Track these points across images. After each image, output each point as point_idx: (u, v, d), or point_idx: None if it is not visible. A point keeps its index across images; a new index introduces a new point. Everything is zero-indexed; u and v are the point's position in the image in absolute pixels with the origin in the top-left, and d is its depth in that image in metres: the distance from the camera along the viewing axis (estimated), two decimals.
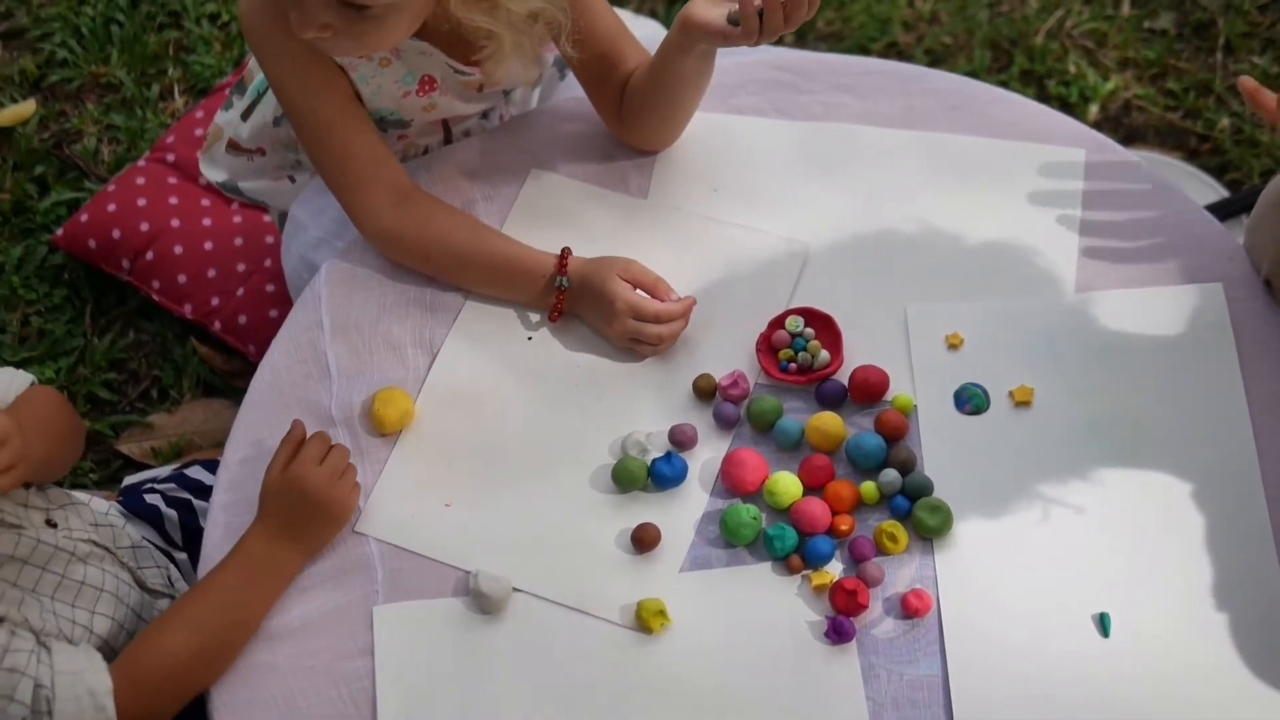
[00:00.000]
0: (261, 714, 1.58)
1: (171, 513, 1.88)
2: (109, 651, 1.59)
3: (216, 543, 1.67)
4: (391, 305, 1.81)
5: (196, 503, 1.90)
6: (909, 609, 1.57)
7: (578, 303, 1.76)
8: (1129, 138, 2.62)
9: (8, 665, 1.45)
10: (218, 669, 1.59)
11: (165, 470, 2.00)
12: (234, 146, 2.02)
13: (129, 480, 1.98)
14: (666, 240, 1.83)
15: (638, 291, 1.73)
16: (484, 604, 1.60)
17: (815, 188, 1.85)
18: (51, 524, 1.61)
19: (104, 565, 1.65)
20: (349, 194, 1.79)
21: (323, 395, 1.75)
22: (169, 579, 1.77)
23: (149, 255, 2.50)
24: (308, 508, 1.62)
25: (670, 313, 1.72)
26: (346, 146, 1.76)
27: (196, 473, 1.97)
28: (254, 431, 1.74)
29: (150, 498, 1.89)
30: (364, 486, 1.68)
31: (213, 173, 2.05)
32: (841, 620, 1.55)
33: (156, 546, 1.81)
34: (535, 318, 1.78)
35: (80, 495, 1.72)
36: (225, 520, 1.69)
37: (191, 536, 1.86)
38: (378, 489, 1.69)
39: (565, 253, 1.76)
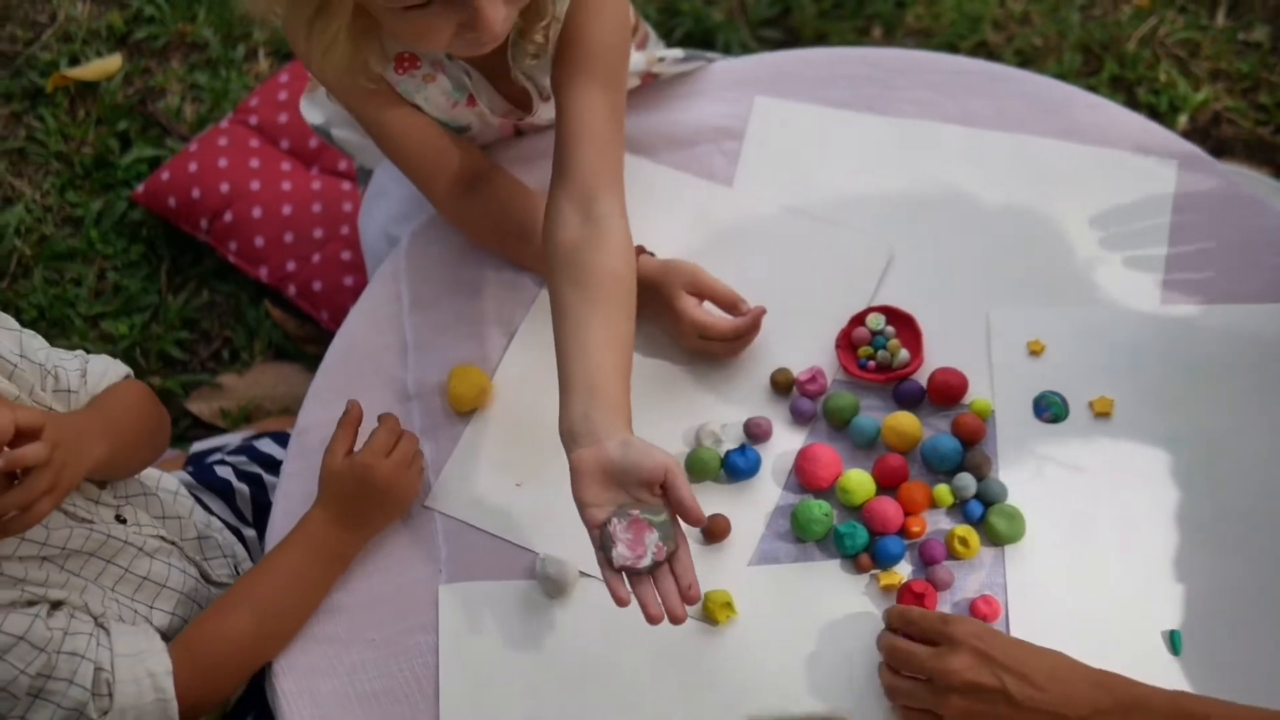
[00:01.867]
0: (322, 683, 1.60)
1: (243, 487, 1.88)
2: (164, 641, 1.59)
3: (285, 511, 1.69)
4: (471, 282, 1.81)
5: (267, 478, 1.91)
6: (977, 615, 1.55)
7: (646, 303, 1.69)
8: (1217, 150, 2.58)
9: (68, 649, 1.45)
10: (275, 648, 1.60)
11: (234, 439, 2.01)
12: None
13: (197, 447, 1.99)
14: (748, 230, 1.82)
15: (705, 305, 1.71)
16: (549, 588, 1.60)
17: (902, 185, 1.83)
18: (121, 519, 1.61)
19: (170, 560, 1.65)
20: (419, 185, 1.77)
21: (398, 369, 1.76)
22: (235, 569, 1.77)
23: (227, 216, 2.52)
24: (375, 496, 1.62)
25: (737, 330, 1.69)
26: (402, 150, 1.72)
27: (267, 446, 1.97)
28: (327, 401, 1.75)
29: (222, 470, 1.90)
30: (435, 463, 1.69)
31: (310, 113, 2.01)
32: None
33: (226, 523, 1.82)
34: None
35: (151, 474, 1.72)
36: (294, 489, 1.70)
37: (262, 513, 1.86)
38: (449, 466, 1.69)
39: (636, 251, 1.71)
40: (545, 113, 1.78)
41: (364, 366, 1.77)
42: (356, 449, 1.63)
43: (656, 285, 1.69)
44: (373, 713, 1.58)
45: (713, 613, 1.57)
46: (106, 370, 1.61)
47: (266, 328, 2.53)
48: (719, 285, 1.70)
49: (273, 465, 1.92)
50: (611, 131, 1.61)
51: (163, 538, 1.65)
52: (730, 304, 1.70)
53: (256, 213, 2.51)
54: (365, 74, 1.59)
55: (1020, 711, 1.37)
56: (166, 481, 1.74)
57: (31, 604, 1.45)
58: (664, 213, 1.83)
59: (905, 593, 1.56)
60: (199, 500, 1.80)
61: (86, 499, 1.57)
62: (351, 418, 1.64)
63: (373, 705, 1.58)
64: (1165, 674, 1.51)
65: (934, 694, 1.41)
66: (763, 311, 1.70)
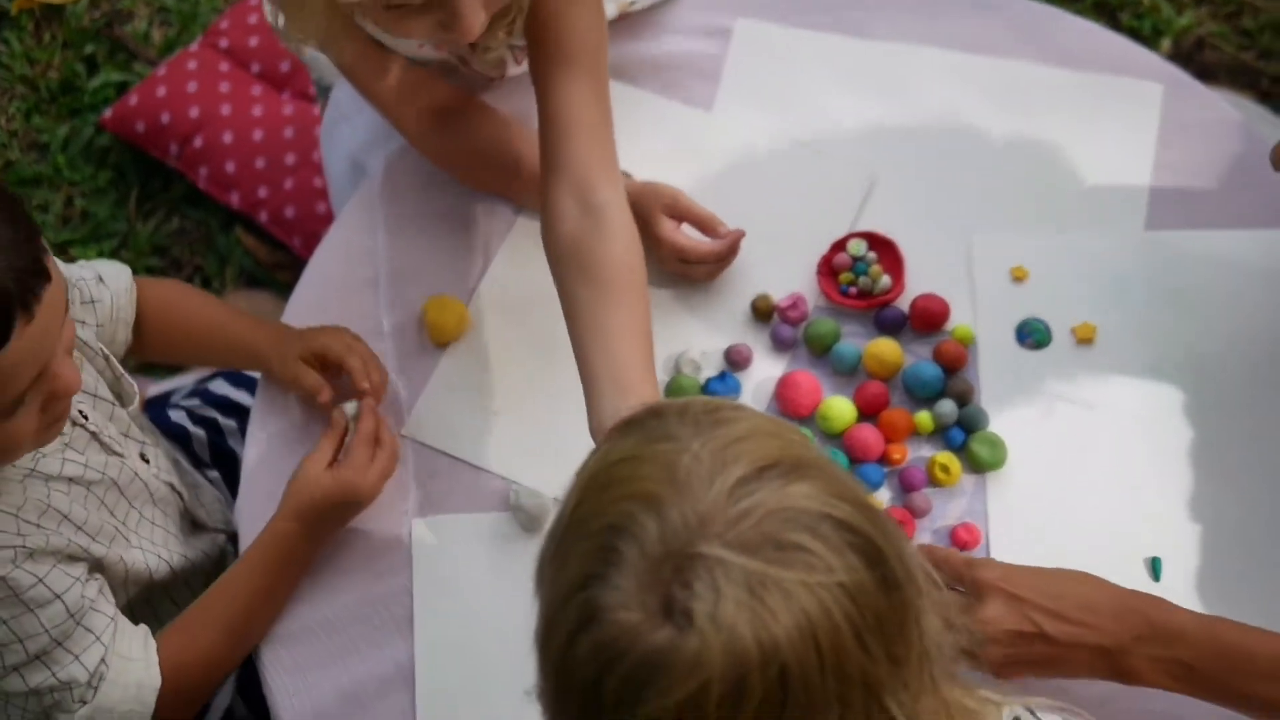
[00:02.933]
0: (295, 630, 1.58)
1: (199, 432, 1.84)
2: (149, 590, 1.58)
3: (258, 457, 1.67)
4: (447, 210, 1.78)
5: (223, 421, 1.87)
6: (957, 542, 1.55)
7: None
8: (1200, 75, 2.52)
9: (88, 624, 1.42)
10: (244, 654, 1.58)
11: (189, 382, 1.97)
12: None
13: (152, 392, 1.95)
14: (728, 155, 1.79)
15: (684, 228, 1.69)
16: (524, 520, 1.58)
17: (884, 110, 1.81)
18: (145, 459, 1.58)
19: (169, 510, 1.62)
20: (389, 118, 1.73)
21: (370, 303, 1.73)
22: (226, 520, 1.74)
23: (197, 142, 2.48)
24: (352, 512, 1.58)
25: (717, 253, 1.67)
26: (370, 86, 1.69)
27: (220, 387, 1.93)
28: None
29: (175, 414, 1.86)
30: (411, 397, 1.67)
31: (271, 11, 1.98)
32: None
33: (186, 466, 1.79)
34: None
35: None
36: (265, 436, 1.68)
37: (220, 456, 1.84)
38: (424, 396, 1.67)
39: None
40: (517, 71, 1.75)
41: (335, 303, 1.74)
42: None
43: (635, 206, 1.66)
44: (348, 652, 1.56)
45: None
46: (115, 272, 1.61)
47: (238, 255, 2.50)
48: (697, 208, 1.68)
49: (228, 408, 1.89)
50: (600, 118, 1.57)
51: (172, 486, 1.62)
52: (709, 227, 1.68)
53: (227, 138, 2.47)
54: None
55: (1059, 648, 1.35)
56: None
57: (74, 559, 1.42)
58: (642, 138, 1.79)
59: None
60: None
61: (119, 431, 1.54)
62: (337, 428, 1.60)
63: (350, 643, 1.57)
64: None
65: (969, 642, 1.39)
66: (741, 234, 1.68)
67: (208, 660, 1.53)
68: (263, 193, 2.44)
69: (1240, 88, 2.56)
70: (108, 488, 1.49)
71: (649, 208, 1.67)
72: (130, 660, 1.46)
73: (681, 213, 1.68)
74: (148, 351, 1.69)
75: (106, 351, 1.54)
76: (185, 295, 1.74)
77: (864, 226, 1.73)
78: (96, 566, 1.46)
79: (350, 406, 1.61)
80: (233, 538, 1.69)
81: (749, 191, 1.76)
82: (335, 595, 1.58)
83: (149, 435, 1.63)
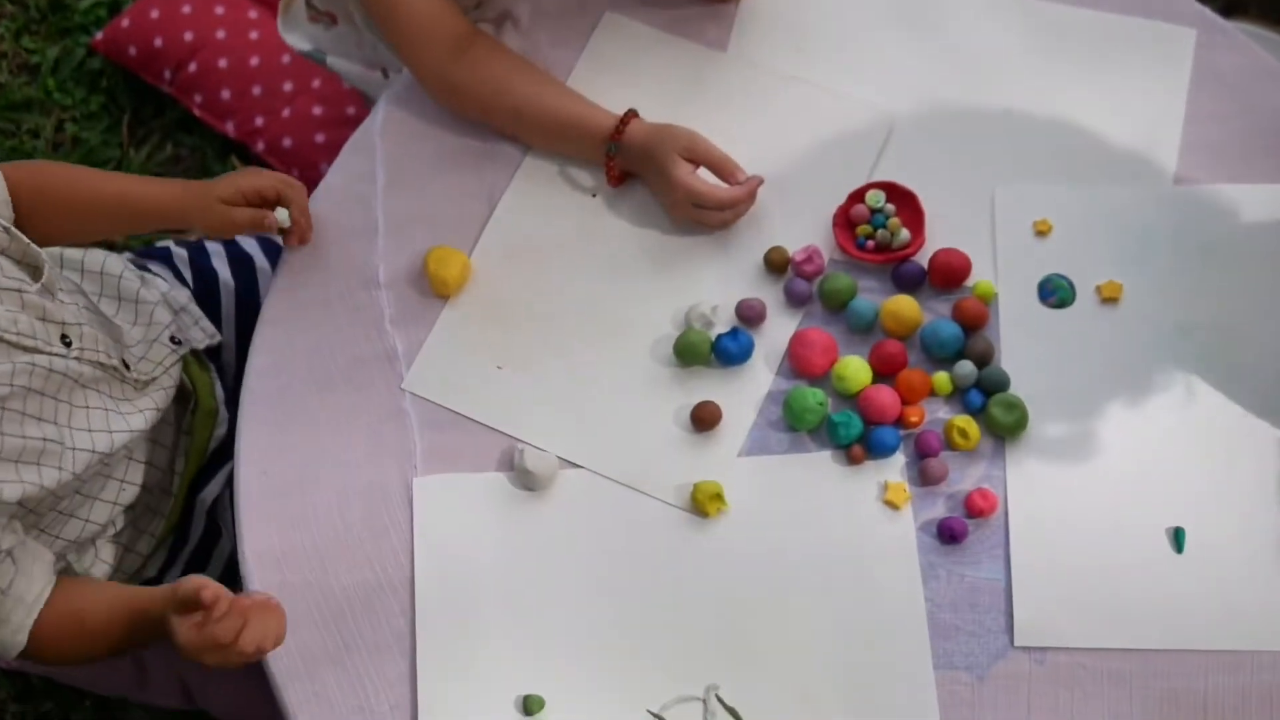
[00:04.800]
0: (293, 576, 1.54)
1: (181, 251, 1.82)
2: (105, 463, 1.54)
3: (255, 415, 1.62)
4: (449, 153, 1.72)
5: (209, 244, 1.84)
6: (973, 509, 1.50)
7: (639, 169, 1.65)
8: (1229, 8, 2.47)
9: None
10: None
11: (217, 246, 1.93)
12: (310, 6, 1.91)
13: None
14: (743, 98, 1.73)
15: (700, 171, 1.63)
16: (529, 481, 1.53)
17: (905, 53, 1.74)
18: (66, 340, 1.51)
19: (102, 386, 1.55)
20: (406, 50, 1.68)
21: (369, 252, 1.67)
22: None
23: (192, 67, 2.41)
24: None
25: (734, 199, 1.61)
26: (396, 6, 1.65)
27: (250, 246, 1.89)
28: (291, 291, 1.67)
29: (162, 241, 1.85)
30: (409, 350, 1.62)
31: (294, 39, 1.93)
32: (955, 521, 1.50)
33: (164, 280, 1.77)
34: (601, 175, 1.68)
35: (96, 255, 1.67)
36: (263, 390, 1.63)
37: (201, 274, 1.81)
38: (425, 349, 1.62)
39: (628, 116, 1.64)
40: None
41: (331, 250, 1.68)
42: None
43: (649, 150, 1.61)
44: (346, 609, 1.52)
45: (702, 505, 1.51)
46: None
47: None
48: (715, 151, 1.62)
49: (242, 264, 1.86)
50: None
51: (99, 363, 1.55)
52: (727, 171, 1.62)
53: (222, 63, 2.40)
54: None
55: None
56: (111, 263, 1.68)
57: None
58: (655, 79, 1.73)
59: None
60: (142, 268, 1.76)
61: (36, 317, 1.47)
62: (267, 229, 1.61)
63: (346, 602, 1.52)
64: (1167, 572, 1.47)
65: None
66: (760, 181, 1.62)
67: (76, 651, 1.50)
68: (259, 121, 2.37)
69: (1271, 22, 2.47)
70: (24, 396, 1.44)
71: (664, 150, 1.61)
72: (14, 602, 1.44)
73: (699, 156, 1.62)
74: (41, 236, 1.59)
75: (4, 223, 1.48)
76: (65, 170, 1.68)
77: (882, 176, 1.66)
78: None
79: (283, 214, 1.60)
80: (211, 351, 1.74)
81: (763, 137, 1.69)
82: (332, 554, 1.54)
83: (72, 301, 1.56)
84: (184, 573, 1.72)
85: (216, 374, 1.78)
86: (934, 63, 1.73)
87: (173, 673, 1.83)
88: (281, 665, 1.50)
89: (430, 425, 1.59)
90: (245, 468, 1.59)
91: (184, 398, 1.72)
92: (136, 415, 1.58)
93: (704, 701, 1.46)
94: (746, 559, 1.50)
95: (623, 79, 1.73)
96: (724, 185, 1.63)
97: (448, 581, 1.51)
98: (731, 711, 1.45)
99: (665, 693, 1.46)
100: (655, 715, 1.45)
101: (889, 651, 1.46)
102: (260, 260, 1.85)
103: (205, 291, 1.81)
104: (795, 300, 1.61)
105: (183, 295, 1.76)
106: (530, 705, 1.46)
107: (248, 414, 1.61)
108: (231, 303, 1.82)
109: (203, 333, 1.74)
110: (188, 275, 1.81)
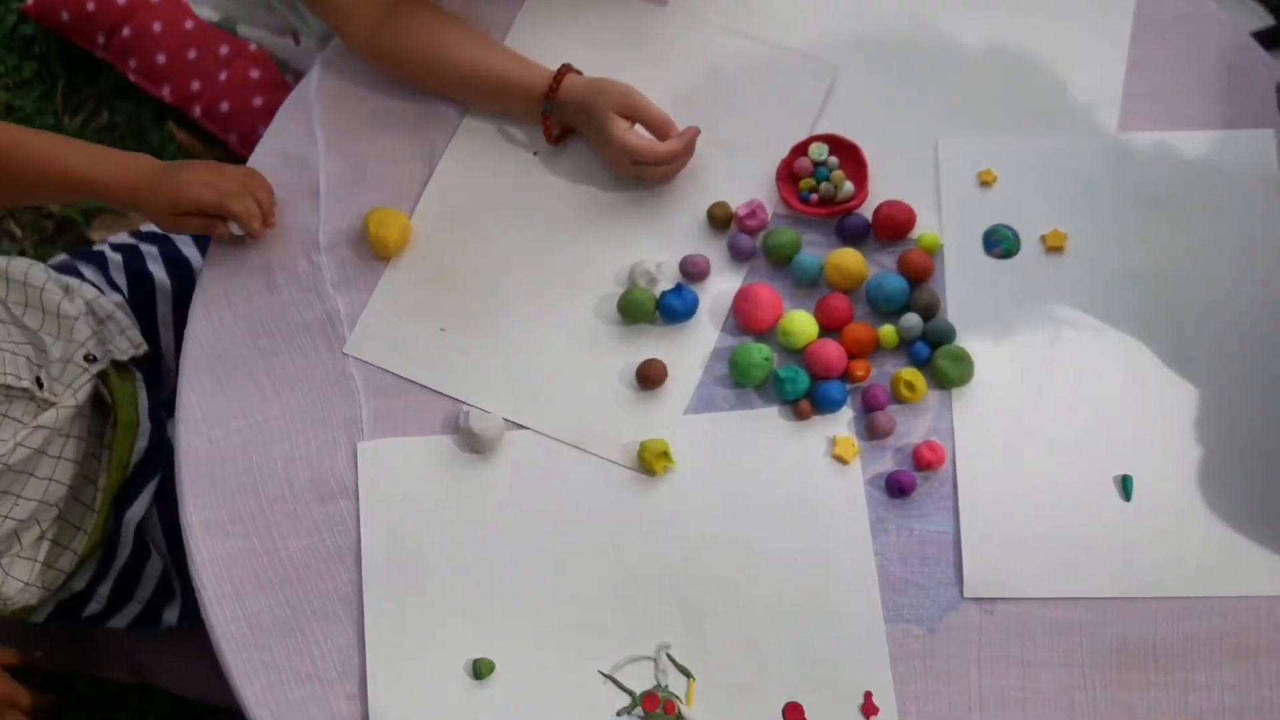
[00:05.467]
0: (240, 549, 1.52)
1: (116, 256, 1.78)
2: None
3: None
4: (388, 114, 1.70)
5: (143, 247, 1.81)
6: (921, 461, 1.50)
7: (577, 126, 1.64)
8: None
9: None
10: None
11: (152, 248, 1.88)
12: None
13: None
14: (684, 52, 1.71)
15: (637, 128, 1.61)
16: (475, 443, 1.52)
17: (846, 4, 1.72)
18: None
19: (6, 409, 1.53)
20: (333, 18, 1.65)
21: (309, 215, 1.65)
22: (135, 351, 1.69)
23: (125, 31, 2.36)
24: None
25: (671, 154, 1.59)
26: None
27: (187, 247, 1.87)
28: (230, 256, 1.65)
29: (97, 245, 1.81)
30: (351, 313, 1.60)
31: (203, 9, 1.90)
32: (904, 474, 1.49)
33: (97, 288, 1.73)
34: (540, 134, 1.67)
35: (19, 264, 1.63)
36: (204, 355, 1.60)
37: (136, 279, 1.78)
38: (367, 312, 1.60)
39: (562, 72, 1.62)
40: None
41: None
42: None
43: (586, 106, 1.59)
44: (293, 576, 1.51)
45: (649, 463, 1.50)
46: None
47: (171, 150, 2.40)
48: (652, 108, 1.60)
49: (150, 237, 1.82)
50: None
51: (7, 386, 1.52)
52: (663, 128, 1.60)
53: (157, 27, 2.35)
54: None
55: None
56: (35, 273, 1.65)
57: None
58: (594, 34, 1.71)
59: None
60: (73, 271, 1.73)
61: None
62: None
63: (293, 568, 1.51)
64: (1116, 520, 1.47)
65: None
66: (697, 132, 1.60)
67: None
68: (196, 86, 2.33)
69: None
70: None
71: (599, 107, 1.59)
72: None
73: (635, 112, 1.60)
74: None
75: None
76: (8, 131, 1.60)
77: (825, 129, 1.65)
78: None
79: (234, 226, 1.60)
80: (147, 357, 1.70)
81: (705, 91, 1.68)
82: (277, 521, 1.53)
83: None
84: (115, 588, 1.70)
85: (143, 382, 1.74)
86: (876, 15, 1.71)
87: (123, 648, 1.81)
88: (228, 633, 1.49)
89: (374, 389, 1.57)
90: (186, 434, 1.56)
91: (104, 410, 1.69)
92: (33, 433, 1.55)
93: (655, 661, 1.45)
94: (695, 517, 1.50)
95: (562, 35, 1.71)
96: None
97: (394, 546, 1.50)
98: (682, 670, 1.44)
99: (616, 653, 1.46)
100: (606, 676, 1.45)
101: (840, 606, 1.46)
102: (197, 261, 1.82)
103: (140, 296, 1.78)
104: (739, 255, 1.60)
105: (111, 302, 1.72)
106: (480, 669, 1.45)
107: (188, 379, 1.59)
108: (169, 306, 1.80)
109: (129, 342, 1.70)
110: (121, 281, 1.78)
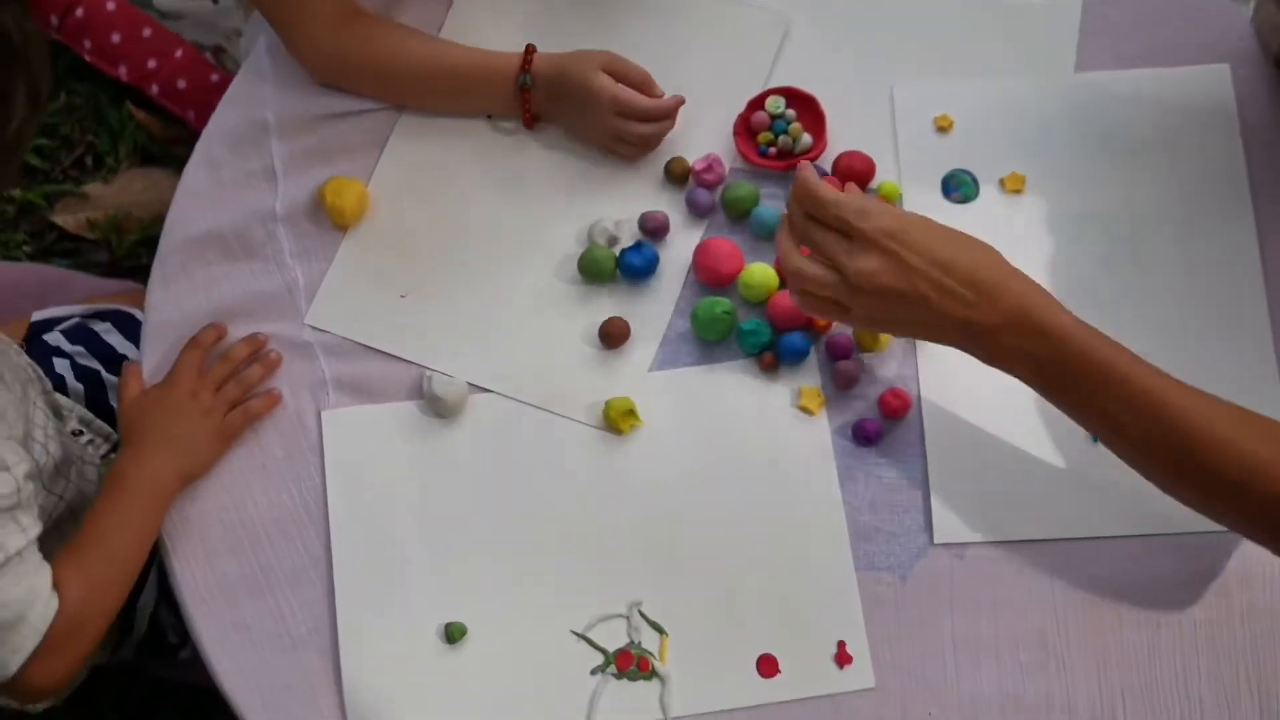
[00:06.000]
0: (210, 510, 1.52)
1: (79, 387, 1.75)
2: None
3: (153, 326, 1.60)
4: (340, 91, 1.68)
5: (106, 376, 1.77)
6: (887, 409, 1.49)
7: (554, 103, 1.61)
8: None
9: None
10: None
11: (76, 312, 1.84)
12: None
13: (36, 317, 1.83)
14: (632, 11, 1.70)
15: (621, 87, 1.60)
16: (439, 408, 1.51)
17: None
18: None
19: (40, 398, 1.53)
20: (285, 29, 1.63)
21: (264, 189, 1.64)
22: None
23: (79, 12, 2.35)
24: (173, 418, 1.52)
25: (660, 109, 1.58)
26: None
27: (108, 334, 1.81)
28: (187, 230, 1.64)
29: (60, 363, 1.76)
30: (310, 284, 1.60)
31: None
32: (870, 423, 1.49)
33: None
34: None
35: None
36: (165, 328, 1.60)
37: (99, 411, 1.74)
38: (326, 282, 1.59)
39: (529, 50, 1.60)
40: None
41: (227, 191, 1.65)
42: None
43: (565, 72, 1.58)
44: (263, 536, 1.51)
45: (615, 422, 1.50)
46: None
47: (130, 130, 2.38)
48: (635, 67, 1.59)
49: (112, 361, 1.78)
50: None
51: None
52: (647, 86, 1.59)
53: (110, 6, 2.34)
54: None
55: (931, 314, 1.28)
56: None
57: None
58: (534, 8, 1.70)
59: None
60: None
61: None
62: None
63: (263, 529, 1.51)
64: (1084, 460, 1.47)
65: (844, 287, 1.30)
66: (681, 101, 1.60)
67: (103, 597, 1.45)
68: (152, 64, 2.32)
69: None
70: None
71: (581, 68, 1.58)
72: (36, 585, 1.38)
73: (618, 72, 1.59)
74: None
75: None
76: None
77: (780, 81, 1.64)
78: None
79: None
80: None
81: (656, 47, 1.66)
82: (246, 487, 1.53)
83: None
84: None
85: None
86: None
87: None
88: (197, 595, 1.48)
89: (336, 358, 1.56)
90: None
91: None
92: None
93: (627, 618, 1.45)
94: (663, 473, 1.49)
95: (499, 19, 1.70)
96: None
97: (362, 514, 1.50)
98: (655, 626, 1.44)
99: (588, 612, 1.45)
100: (579, 635, 1.44)
101: (810, 557, 1.46)
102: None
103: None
104: (698, 211, 1.59)
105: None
106: (452, 633, 1.44)
107: (150, 348, 1.59)
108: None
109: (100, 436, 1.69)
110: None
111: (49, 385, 1.59)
